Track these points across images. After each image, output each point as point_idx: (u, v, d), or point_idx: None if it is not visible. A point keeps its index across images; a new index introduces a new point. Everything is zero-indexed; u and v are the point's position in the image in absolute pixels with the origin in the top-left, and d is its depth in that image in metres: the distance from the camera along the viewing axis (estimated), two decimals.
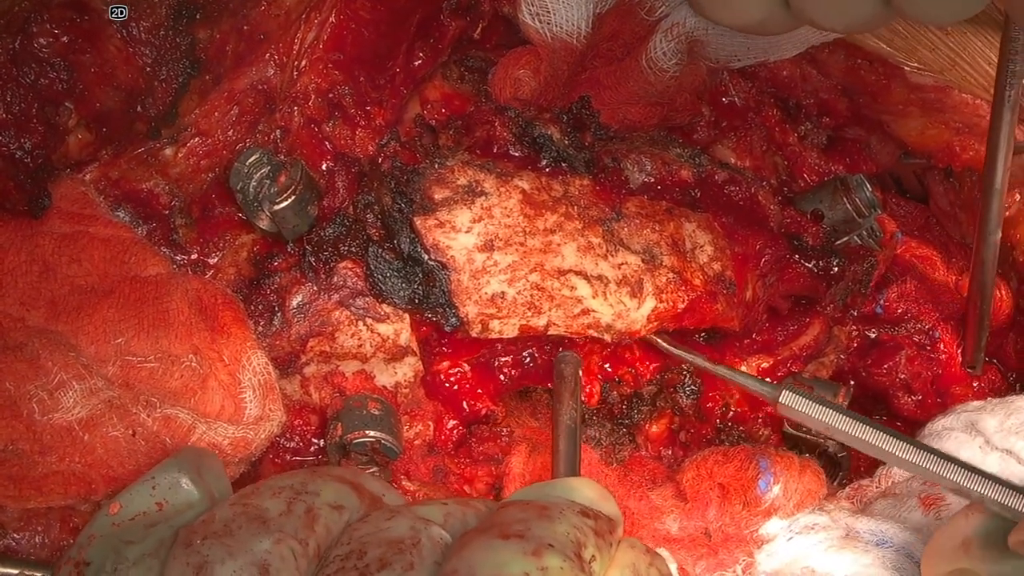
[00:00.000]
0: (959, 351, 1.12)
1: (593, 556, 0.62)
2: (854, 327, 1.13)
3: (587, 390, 1.02)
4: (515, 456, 0.97)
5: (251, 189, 0.94)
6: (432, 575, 0.59)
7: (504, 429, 0.99)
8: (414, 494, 0.94)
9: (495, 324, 0.94)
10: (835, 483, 1.05)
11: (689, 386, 1.06)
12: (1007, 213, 1.11)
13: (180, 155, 0.96)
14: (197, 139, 0.96)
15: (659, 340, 1.00)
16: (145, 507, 0.67)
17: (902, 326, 1.13)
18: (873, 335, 1.15)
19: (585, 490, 0.68)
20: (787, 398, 0.87)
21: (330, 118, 1.01)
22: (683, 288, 0.97)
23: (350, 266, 0.96)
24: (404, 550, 0.59)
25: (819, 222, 1.07)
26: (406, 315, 0.97)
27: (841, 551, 0.87)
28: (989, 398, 1.03)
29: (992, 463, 0.93)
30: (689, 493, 0.93)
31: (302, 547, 0.60)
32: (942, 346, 1.12)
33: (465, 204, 0.93)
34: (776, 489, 0.91)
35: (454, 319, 0.94)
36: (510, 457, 0.97)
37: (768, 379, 0.96)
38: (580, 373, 0.97)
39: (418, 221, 0.92)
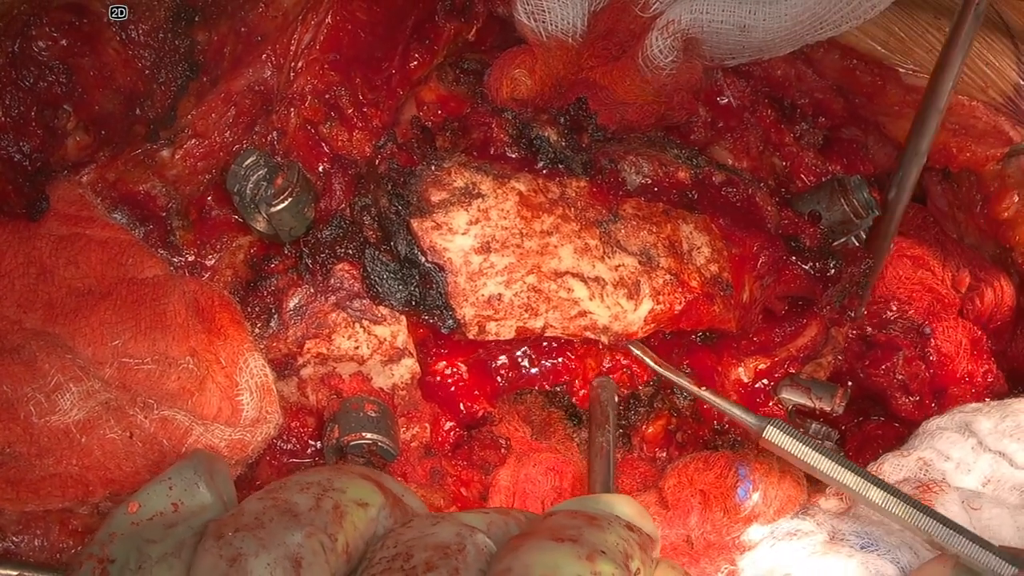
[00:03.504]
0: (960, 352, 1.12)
1: (638, 569, 0.63)
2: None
3: (579, 393, 1.02)
4: (504, 470, 0.97)
5: (248, 191, 0.94)
6: None
7: (503, 440, 0.99)
8: None
9: (492, 326, 0.95)
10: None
11: None
12: (1005, 215, 1.11)
13: (177, 157, 0.97)
14: (194, 141, 0.97)
15: (649, 360, 0.99)
16: (162, 507, 0.68)
17: (891, 325, 1.13)
18: (857, 333, 1.15)
19: (624, 506, 0.69)
20: (771, 434, 0.87)
21: (327, 119, 1.01)
22: (680, 290, 0.97)
23: (347, 268, 0.96)
24: (450, 555, 0.60)
25: (817, 223, 1.07)
26: (403, 317, 0.97)
27: (825, 556, 0.87)
28: (987, 400, 1.03)
29: (984, 464, 0.93)
30: (671, 500, 0.93)
31: (331, 542, 0.61)
32: (936, 343, 1.12)
33: (462, 206, 0.93)
34: (755, 496, 0.91)
35: (451, 321, 0.94)
36: (499, 469, 0.97)
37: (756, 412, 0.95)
38: (616, 398, 0.97)
39: (415, 223, 0.92)
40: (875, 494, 0.81)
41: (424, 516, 0.66)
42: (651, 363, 0.97)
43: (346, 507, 0.63)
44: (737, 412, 0.92)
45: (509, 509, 0.72)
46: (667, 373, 0.97)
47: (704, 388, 0.94)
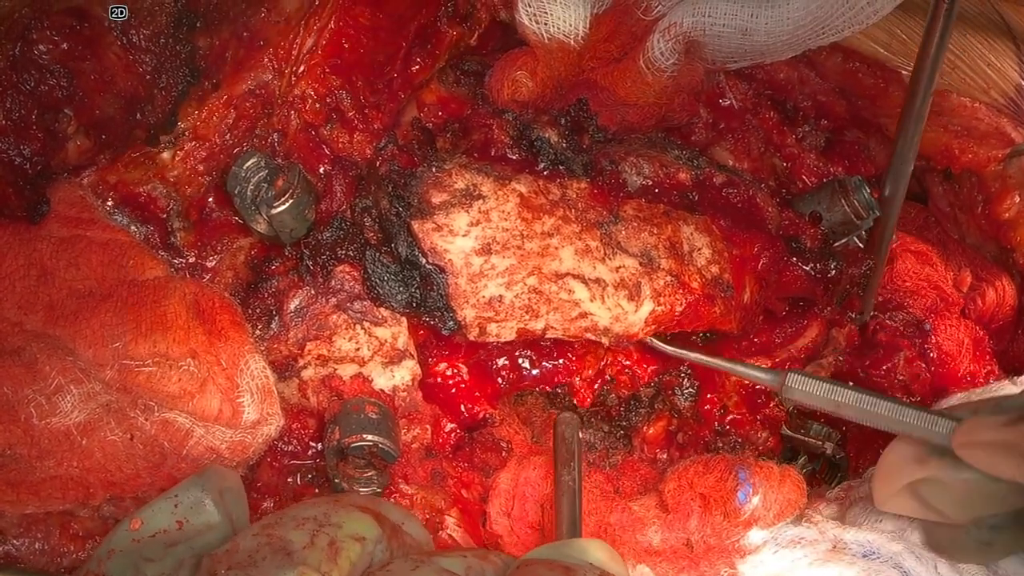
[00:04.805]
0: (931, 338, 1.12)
1: None
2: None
3: (579, 394, 1.02)
4: (504, 473, 0.97)
5: (249, 193, 0.95)
6: None
7: (504, 443, 0.99)
8: (411, 497, 0.94)
9: (493, 328, 0.94)
10: (833, 485, 1.05)
11: (687, 388, 1.06)
12: (1006, 215, 1.11)
13: (178, 159, 0.97)
14: (194, 143, 0.97)
15: (654, 340, 1.00)
16: (166, 524, 0.68)
17: (893, 316, 1.13)
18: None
19: (598, 552, 0.71)
20: (793, 380, 0.88)
21: (328, 122, 1.01)
22: (681, 291, 0.97)
23: (348, 270, 0.96)
24: None
25: (817, 224, 1.07)
26: (404, 319, 0.97)
27: (826, 564, 0.87)
28: (972, 389, 1.03)
29: None
30: (671, 503, 0.93)
31: None
32: (938, 342, 1.11)
33: (463, 207, 0.93)
34: (755, 500, 0.91)
35: (452, 323, 0.94)
36: (499, 472, 0.97)
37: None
38: (580, 435, 0.98)
39: (416, 225, 0.92)
40: (907, 414, 0.82)
41: (403, 560, 0.66)
42: (659, 345, 0.97)
43: (342, 543, 0.63)
44: (754, 372, 0.93)
45: (487, 551, 0.73)
46: (676, 351, 0.97)
47: (717, 357, 0.95)
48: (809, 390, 0.88)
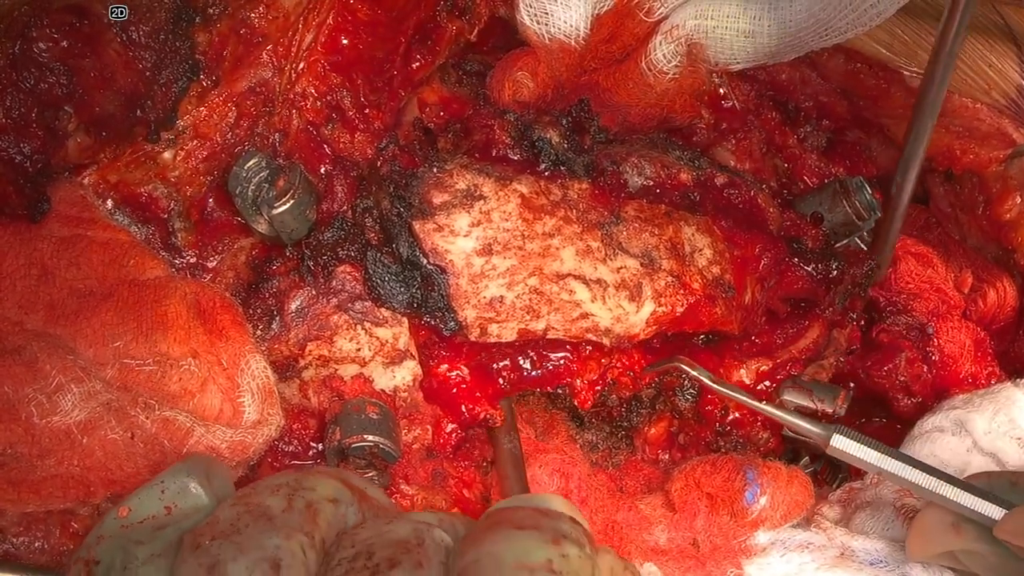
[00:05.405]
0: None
1: (590, 555, 0.63)
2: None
3: (580, 395, 1.02)
4: None
5: (250, 193, 0.94)
6: (440, 574, 0.60)
7: None
8: (412, 498, 0.94)
9: (493, 328, 0.94)
10: (834, 485, 1.05)
11: (688, 389, 1.06)
12: (1007, 216, 1.11)
13: (179, 158, 0.96)
14: (195, 142, 0.96)
15: (704, 378, 0.98)
16: (154, 510, 0.67)
17: (896, 317, 1.13)
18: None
19: (560, 503, 0.70)
20: (839, 441, 0.86)
21: (328, 121, 1.01)
22: (682, 292, 0.97)
23: (349, 270, 0.96)
24: (411, 549, 0.60)
25: (819, 225, 1.07)
26: (405, 319, 0.97)
27: (833, 570, 0.87)
28: (975, 391, 1.03)
29: (976, 466, 0.93)
30: (677, 503, 0.93)
31: (309, 540, 0.61)
32: (939, 343, 1.12)
33: (464, 208, 0.93)
34: (763, 500, 0.91)
35: (453, 323, 0.94)
36: None
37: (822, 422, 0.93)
38: (513, 407, 0.98)
39: (417, 225, 0.92)
40: (947, 490, 0.82)
41: (376, 517, 0.66)
42: (707, 381, 0.96)
43: (318, 505, 0.63)
44: (802, 424, 0.91)
45: (454, 512, 0.72)
46: (724, 390, 0.96)
47: (764, 402, 0.93)
48: (853, 452, 0.86)
